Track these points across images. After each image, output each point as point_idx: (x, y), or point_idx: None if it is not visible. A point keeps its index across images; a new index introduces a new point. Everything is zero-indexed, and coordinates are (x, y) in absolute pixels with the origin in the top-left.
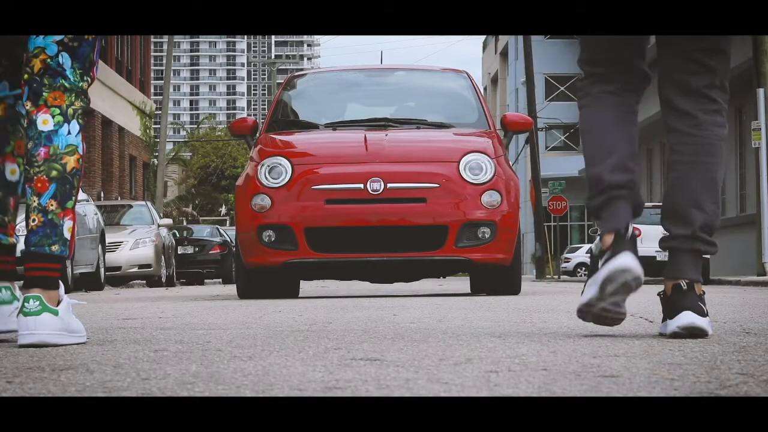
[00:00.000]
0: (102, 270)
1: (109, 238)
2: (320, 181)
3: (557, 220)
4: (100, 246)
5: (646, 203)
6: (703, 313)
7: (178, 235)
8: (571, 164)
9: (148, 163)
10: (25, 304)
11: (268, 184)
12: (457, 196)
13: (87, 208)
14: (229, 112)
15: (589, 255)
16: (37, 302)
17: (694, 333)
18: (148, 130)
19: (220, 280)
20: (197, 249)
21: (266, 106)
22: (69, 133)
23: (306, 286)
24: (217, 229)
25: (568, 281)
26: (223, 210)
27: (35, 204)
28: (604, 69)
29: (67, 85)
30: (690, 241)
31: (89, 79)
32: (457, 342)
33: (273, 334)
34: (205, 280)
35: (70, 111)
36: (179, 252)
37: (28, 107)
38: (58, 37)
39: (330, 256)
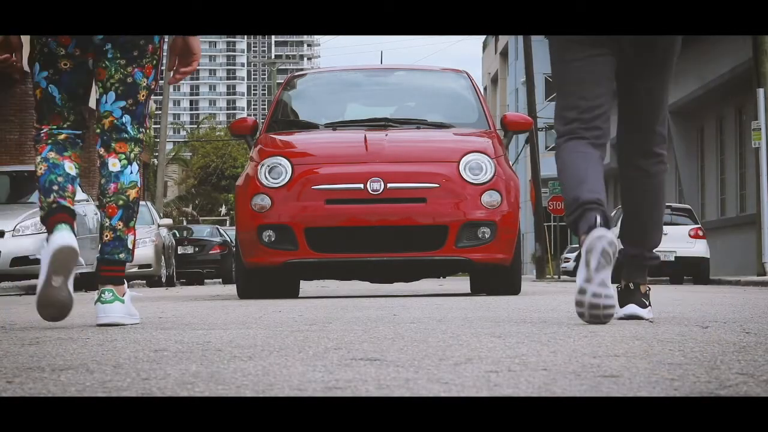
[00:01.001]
0: None
1: None
2: (320, 181)
3: (557, 220)
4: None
5: None
6: (644, 306)
7: (178, 235)
8: None
9: (148, 163)
10: (102, 295)
11: (268, 184)
12: (457, 196)
13: (87, 208)
14: (229, 112)
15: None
16: (111, 294)
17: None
18: (148, 130)
19: (220, 280)
20: (197, 249)
21: (266, 106)
22: (131, 173)
23: (306, 286)
24: (217, 229)
25: (568, 281)
26: (223, 210)
27: (107, 224)
28: (578, 124)
29: (127, 137)
30: (640, 259)
31: (144, 130)
32: (457, 342)
33: (273, 334)
34: (205, 280)
35: (132, 155)
36: (179, 252)
37: (101, 152)
38: (122, 103)
39: (330, 256)
